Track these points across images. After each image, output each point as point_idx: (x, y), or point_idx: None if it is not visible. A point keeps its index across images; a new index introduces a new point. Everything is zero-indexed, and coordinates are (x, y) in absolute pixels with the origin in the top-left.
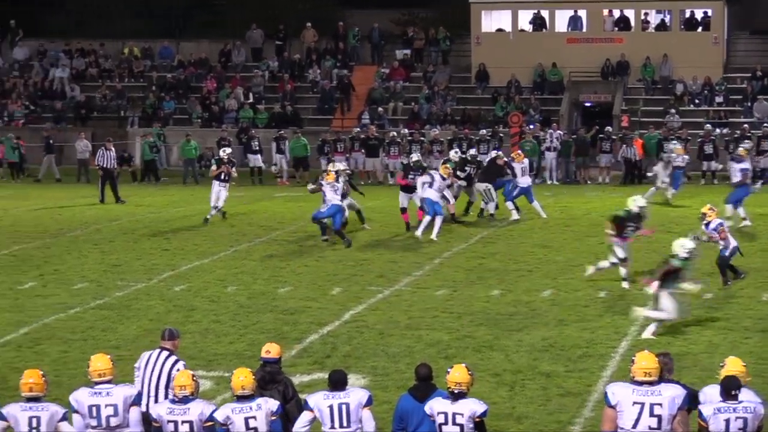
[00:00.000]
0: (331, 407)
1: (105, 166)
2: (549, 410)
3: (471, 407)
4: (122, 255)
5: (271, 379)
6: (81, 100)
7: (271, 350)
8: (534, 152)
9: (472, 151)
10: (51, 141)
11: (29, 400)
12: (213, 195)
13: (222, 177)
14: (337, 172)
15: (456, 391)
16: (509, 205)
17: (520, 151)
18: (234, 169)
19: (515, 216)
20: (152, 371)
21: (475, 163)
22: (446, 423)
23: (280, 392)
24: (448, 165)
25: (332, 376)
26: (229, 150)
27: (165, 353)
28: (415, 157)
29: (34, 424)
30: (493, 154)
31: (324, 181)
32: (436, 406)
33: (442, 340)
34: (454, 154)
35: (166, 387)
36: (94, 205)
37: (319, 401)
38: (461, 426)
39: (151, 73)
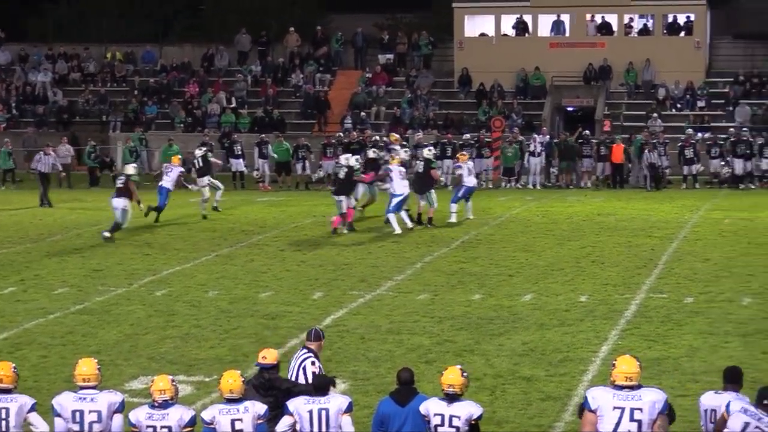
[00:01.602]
0: (310, 412)
1: (41, 170)
2: (529, 414)
3: (468, 410)
4: (103, 260)
5: (270, 385)
6: (63, 104)
7: (267, 356)
8: (516, 157)
9: (371, 153)
10: None
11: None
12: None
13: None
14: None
15: (450, 393)
16: (452, 207)
17: (465, 152)
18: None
19: (452, 219)
20: (290, 368)
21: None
22: (442, 425)
23: (278, 399)
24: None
25: (315, 381)
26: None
27: (303, 351)
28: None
29: (3, 415)
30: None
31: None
32: (432, 407)
33: (423, 344)
34: (373, 154)
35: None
36: (75, 210)
37: (300, 406)
38: (457, 428)
39: (133, 78)
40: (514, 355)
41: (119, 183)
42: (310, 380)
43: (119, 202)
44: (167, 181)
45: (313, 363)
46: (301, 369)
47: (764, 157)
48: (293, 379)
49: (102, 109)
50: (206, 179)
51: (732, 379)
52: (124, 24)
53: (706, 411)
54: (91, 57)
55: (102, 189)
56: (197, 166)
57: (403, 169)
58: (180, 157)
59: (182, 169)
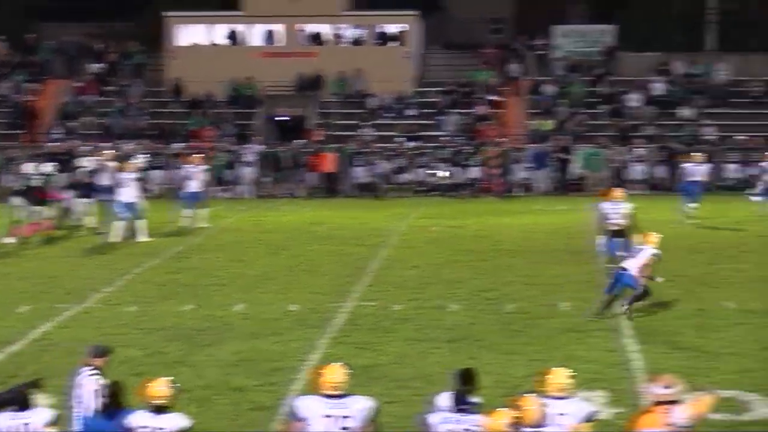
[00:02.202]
0: (12, 428)
1: None
2: (239, 425)
3: (174, 422)
4: None
5: None
6: None
7: None
8: (228, 166)
9: (85, 161)
10: None
11: None
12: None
13: None
14: None
15: (155, 405)
16: (185, 212)
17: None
18: None
19: (200, 224)
20: (76, 386)
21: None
22: None
23: None
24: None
25: (11, 397)
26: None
27: (88, 368)
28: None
29: None
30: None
31: None
32: (137, 420)
33: (134, 356)
34: (86, 163)
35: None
36: None
37: (1, 423)
38: None
39: None
40: (224, 365)
41: None
42: (89, 398)
43: None
44: None
45: (97, 380)
46: (81, 387)
47: (471, 166)
48: (79, 399)
49: None
50: None
51: (465, 381)
52: None
53: None
54: None
55: None
56: None
57: (133, 175)
58: None
59: None
